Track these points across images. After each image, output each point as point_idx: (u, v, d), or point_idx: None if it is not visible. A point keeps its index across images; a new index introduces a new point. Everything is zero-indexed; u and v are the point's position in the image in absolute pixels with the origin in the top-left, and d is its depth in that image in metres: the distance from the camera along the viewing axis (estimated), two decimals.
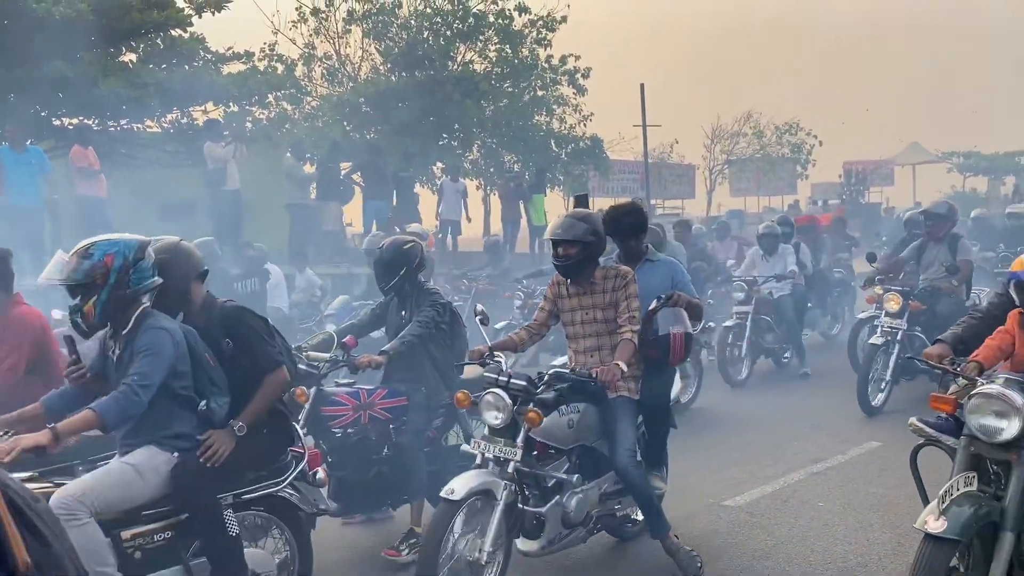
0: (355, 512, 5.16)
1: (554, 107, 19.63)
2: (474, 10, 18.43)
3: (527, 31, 18.81)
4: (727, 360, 8.93)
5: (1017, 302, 3.78)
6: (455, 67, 18.48)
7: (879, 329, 7.59)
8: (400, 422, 4.92)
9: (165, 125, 12.79)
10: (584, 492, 4.24)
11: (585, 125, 19.95)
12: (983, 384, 3.33)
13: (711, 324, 8.80)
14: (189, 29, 12.13)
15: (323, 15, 18.67)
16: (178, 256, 3.70)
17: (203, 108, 12.90)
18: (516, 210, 16.22)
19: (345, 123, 17.13)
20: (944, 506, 3.10)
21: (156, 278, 3.46)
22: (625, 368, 4.16)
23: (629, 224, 4.69)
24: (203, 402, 3.56)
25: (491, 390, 4.03)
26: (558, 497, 4.15)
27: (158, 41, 12.28)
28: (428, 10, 18.59)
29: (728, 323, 9.07)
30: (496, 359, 4.31)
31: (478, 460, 4.00)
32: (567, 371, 4.36)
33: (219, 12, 11.94)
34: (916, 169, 38.07)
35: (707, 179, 33.37)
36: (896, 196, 34.47)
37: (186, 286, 3.71)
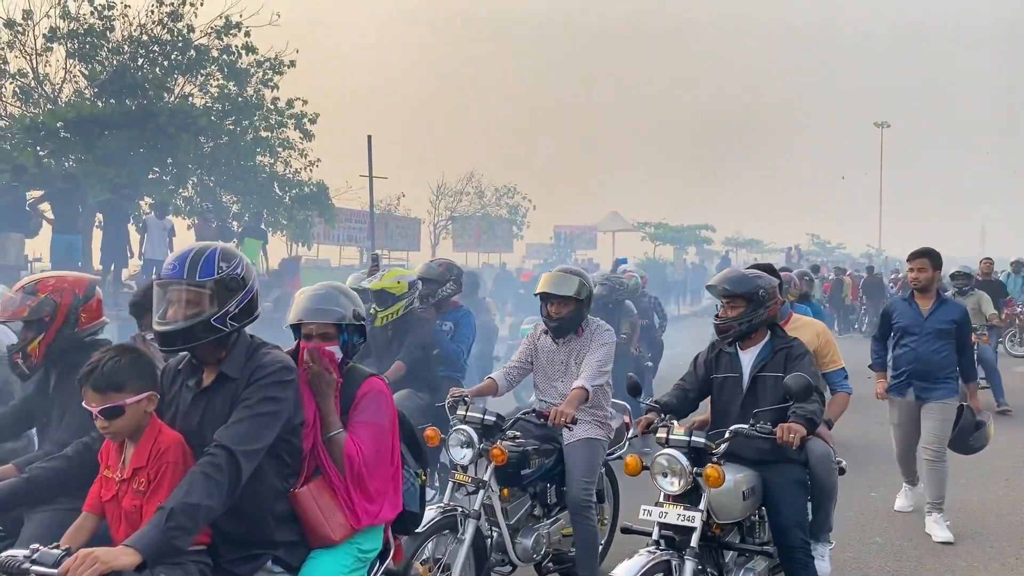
0: None
1: (279, 150, 19.22)
2: (196, 43, 17.68)
3: (253, 70, 18.38)
4: None
5: None
6: (172, 99, 17.53)
7: None
8: None
9: None
10: None
11: (311, 171, 19.77)
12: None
13: None
14: None
15: (19, 28, 16.90)
16: None
17: None
18: None
19: (38, 148, 15.53)
20: None
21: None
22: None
23: None
24: None
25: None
26: None
27: None
28: (144, 37, 17.53)
29: None
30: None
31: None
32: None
33: None
34: (616, 236, 42.12)
35: (432, 233, 34.42)
36: (599, 259, 37.87)
37: None
